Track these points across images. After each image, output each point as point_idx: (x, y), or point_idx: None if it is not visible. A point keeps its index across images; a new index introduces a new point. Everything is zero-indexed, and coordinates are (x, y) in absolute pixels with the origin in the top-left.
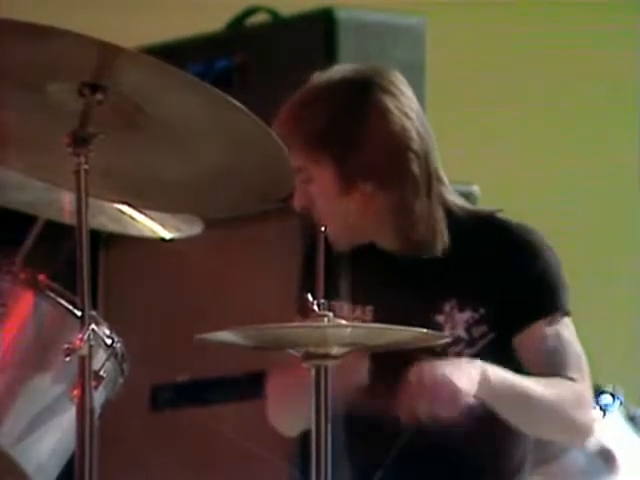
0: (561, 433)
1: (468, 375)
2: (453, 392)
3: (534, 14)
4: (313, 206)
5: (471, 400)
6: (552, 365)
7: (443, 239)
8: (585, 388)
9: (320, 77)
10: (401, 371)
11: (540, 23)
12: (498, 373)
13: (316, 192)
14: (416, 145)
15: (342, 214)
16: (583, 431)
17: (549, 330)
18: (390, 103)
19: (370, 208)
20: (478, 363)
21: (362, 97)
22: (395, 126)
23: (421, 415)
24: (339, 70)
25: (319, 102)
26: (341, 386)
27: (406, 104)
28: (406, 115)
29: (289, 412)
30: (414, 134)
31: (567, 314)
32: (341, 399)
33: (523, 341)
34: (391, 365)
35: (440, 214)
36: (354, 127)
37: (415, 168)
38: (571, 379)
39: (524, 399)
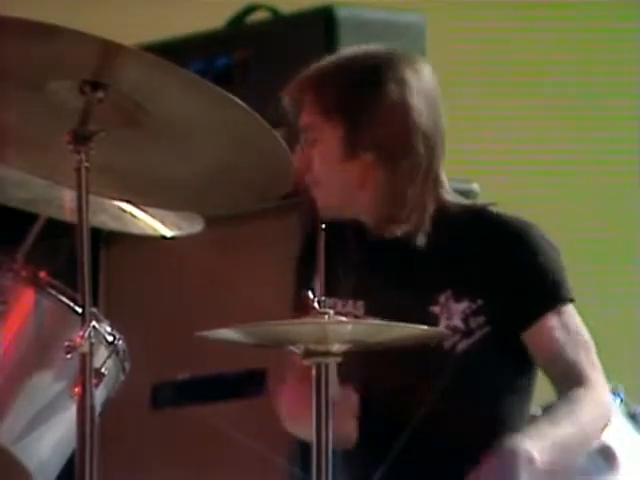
0: (591, 442)
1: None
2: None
3: (534, 12)
4: (311, 169)
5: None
6: (563, 363)
7: (425, 230)
8: (595, 380)
9: (349, 49)
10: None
11: (540, 21)
12: (541, 445)
13: (318, 155)
14: (426, 128)
15: (339, 180)
16: (604, 422)
17: (555, 324)
18: (414, 82)
19: (367, 179)
20: (523, 450)
21: (386, 69)
22: (410, 104)
23: None
24: (368, 46)
25: (343, 68)
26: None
27: (426, 88)
28: (424, 97)
29: (306, 419)
30: (426, 118)
31: (571, 300)
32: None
33: (531, 337)
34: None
35: (430, 205)
36: (371, 96)
37: (420, 149)
38: (582, 379)
39: (568, 447)
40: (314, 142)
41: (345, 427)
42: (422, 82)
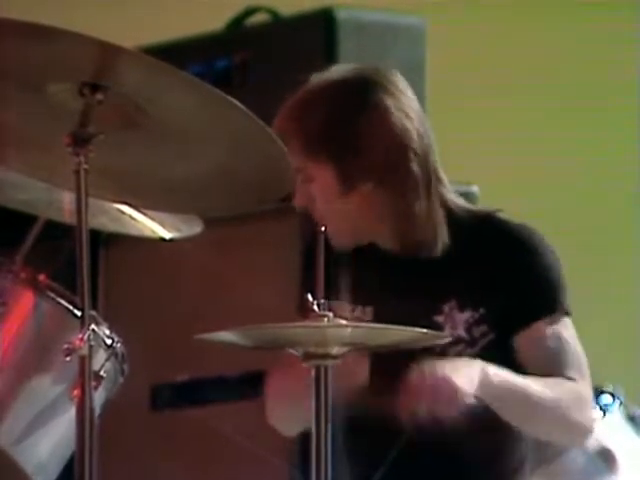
0: (560, 433)
1: (468, 375)
2: (453, 391)
3: (534, 14)
4: (313, 206)
5: (471, 400)
6: (551, 365)
7: (443, 240)
8: (585, 388)
9: (319, 77)
10: (402, 371)
11: (540, 23)
12: (499, 373)
13: (316, 192)
14: (416, 145)
15: (342, 214)
16: (582, 431)
17: (549, 330)
18: (390, 103)
19: (370, 208)
20: (479, 363)
21: (362, 97)
22: (395, 126)
23: (421, 414)
24: (338, 70)
25: (318, 102)
26: (341, 387)
27: (406, 104)
28: (406, 115)
29: (288, 412)
30: (414, 134)
31: (567, 314)
32: (342, 400)
33: (522, 341)
34: (392, 366)
35: (440, 214)
36: (354, 127)
37: (415, 168)
38: (570, 379)
39: (524, 399)
40: (310, 180)
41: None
42: (400, 100)
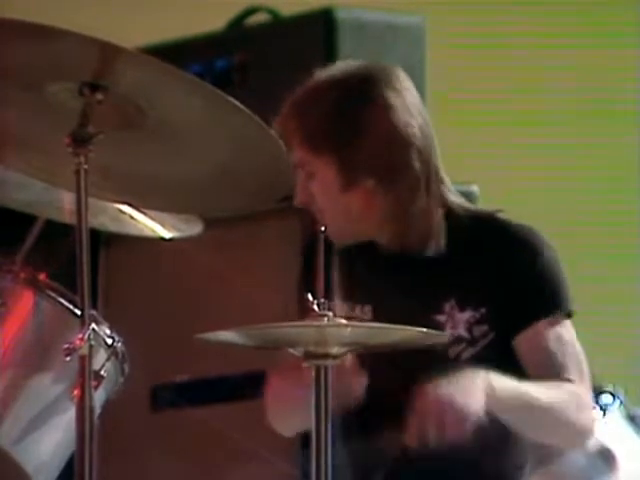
0: (561, 436)
1: (474, 393)
2: (460, 413)
3: (534, 13)
4: (314, 203)
5: (479, 418)
6: (551, 367)
7: (439, 239)
8: (584, 390)
9: (323, 73)
10: (400, 381)
11: (540, 22)
12: (502, 384)
13: (317, 188)
14: (419, 142)
15: (343, 210)
16: (583, 434)
17: (549, 331)
18: (394, 99)
19: (370, 204)
20: (482, 376)
21: (365, 92)
22: (398, 122)
23: (430, 440)
24: (342, 66)
25: (322, 97)
26: (339, 390)
27: (410, 101)
28: (409, 112)
29: (288, 413)
30: (417, 131)
31: (569, 315)
32: (339, 404)
33: (522, 342)
34: (391, 372)
35: (439, 214)
36: (356, 122)
37: (416, 165)
38: (570, 381)
39: (528, 406)
40: (311, 176)
41: (349, 387)
42: (404, 97)
